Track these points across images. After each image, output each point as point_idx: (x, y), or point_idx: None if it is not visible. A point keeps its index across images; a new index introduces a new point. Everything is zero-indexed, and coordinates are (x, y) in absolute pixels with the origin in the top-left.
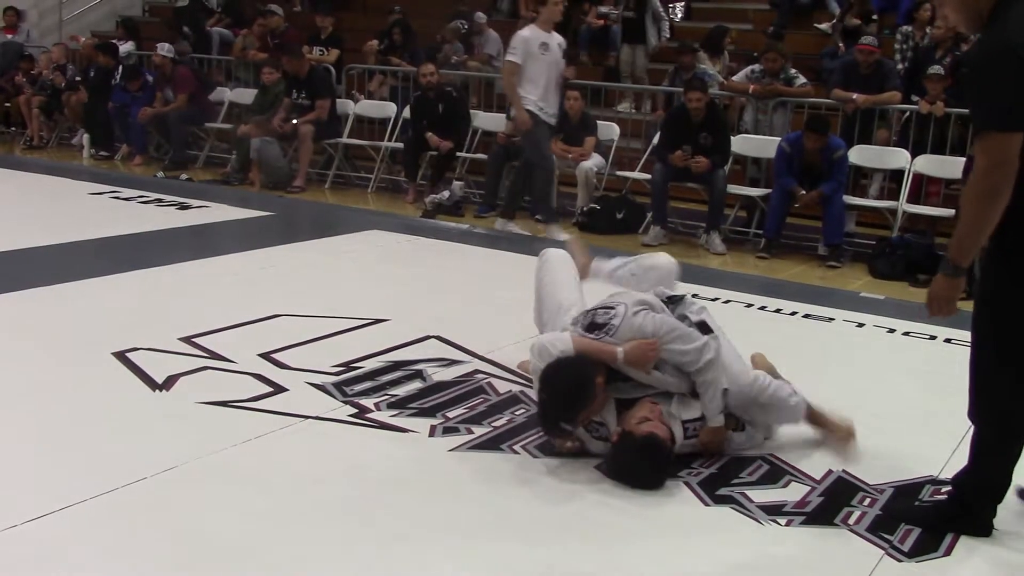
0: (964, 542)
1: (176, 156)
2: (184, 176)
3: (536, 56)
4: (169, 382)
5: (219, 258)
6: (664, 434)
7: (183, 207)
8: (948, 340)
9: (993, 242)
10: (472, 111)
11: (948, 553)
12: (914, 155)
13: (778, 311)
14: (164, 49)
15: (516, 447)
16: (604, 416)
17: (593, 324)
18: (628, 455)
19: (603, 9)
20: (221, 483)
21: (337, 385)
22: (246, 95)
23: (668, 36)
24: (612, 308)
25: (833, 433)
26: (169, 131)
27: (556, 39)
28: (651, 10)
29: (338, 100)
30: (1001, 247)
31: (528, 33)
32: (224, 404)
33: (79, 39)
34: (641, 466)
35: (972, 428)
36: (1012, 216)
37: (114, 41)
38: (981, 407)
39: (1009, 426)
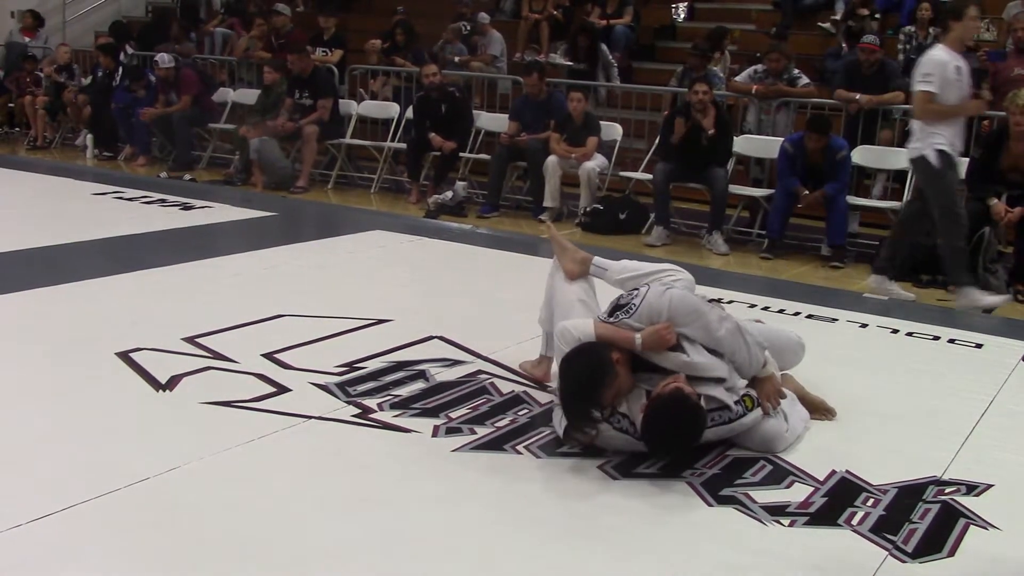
0: (968, 543)
1: (180, 157)
2: (187, 177)
3: (951, 82)
4: (172, 382)
5: (222, 258)
6: (691, 391)
7: (186, 207)
8: (952, 341)
9: None
10: (475, 111)
11: (952, 554)
12: None
13: (781, 311)
14: (164, 61)
15: (519, 447)
16: (629, 406)
17: (616, 306)
18: (660, 414)
19: (556, 57)
20: (224, 483)
21: (340, 385)
22: (249, 95)
23: (617, 81)
24: (636, 290)
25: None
26: (172, 132)
27: (964, 61)
28: (602, 60)
29: (341, 100)
30: None
31: (945, 56)
32: (227, 404)
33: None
34: (675, 421)
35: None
36: None
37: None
38: None
39: None
